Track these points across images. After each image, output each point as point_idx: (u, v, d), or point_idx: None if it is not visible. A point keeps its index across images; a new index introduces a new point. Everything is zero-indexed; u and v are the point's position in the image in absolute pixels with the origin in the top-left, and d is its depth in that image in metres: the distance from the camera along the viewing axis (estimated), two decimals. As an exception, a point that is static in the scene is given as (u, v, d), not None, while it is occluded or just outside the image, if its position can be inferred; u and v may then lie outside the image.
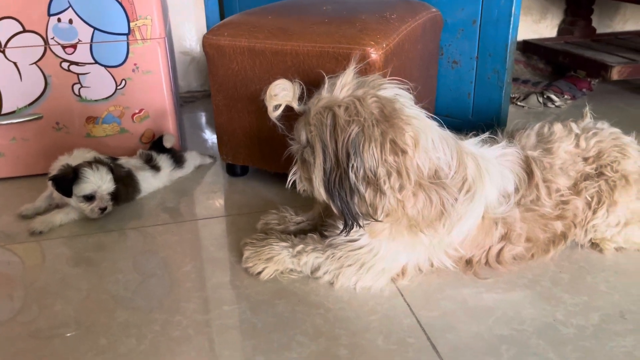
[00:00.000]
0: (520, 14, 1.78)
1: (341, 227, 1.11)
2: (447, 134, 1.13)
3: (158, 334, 1.07)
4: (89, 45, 1.68)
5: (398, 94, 1.10)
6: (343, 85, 1.08)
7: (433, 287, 1.19)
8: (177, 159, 1.76)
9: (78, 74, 1.71)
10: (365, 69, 1.29)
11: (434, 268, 1.22)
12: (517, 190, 1.20)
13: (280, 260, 1.22)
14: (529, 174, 1.22)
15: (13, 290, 1.22)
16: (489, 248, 1.21)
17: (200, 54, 2.65)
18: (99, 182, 1.47)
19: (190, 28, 2.62)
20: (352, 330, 1.06)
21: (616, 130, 1.34)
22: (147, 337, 1.06)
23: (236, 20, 1.55)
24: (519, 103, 2.45)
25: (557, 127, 1.32)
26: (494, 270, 1.22)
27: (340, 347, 1.02)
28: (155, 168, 1.69)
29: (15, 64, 1.66)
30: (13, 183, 1.76)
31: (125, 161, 1.66)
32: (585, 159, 1.28)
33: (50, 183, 1.48)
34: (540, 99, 2.44)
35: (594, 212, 1.26)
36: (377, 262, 1.16)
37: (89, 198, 1.48)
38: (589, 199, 1.25)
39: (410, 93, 1.13)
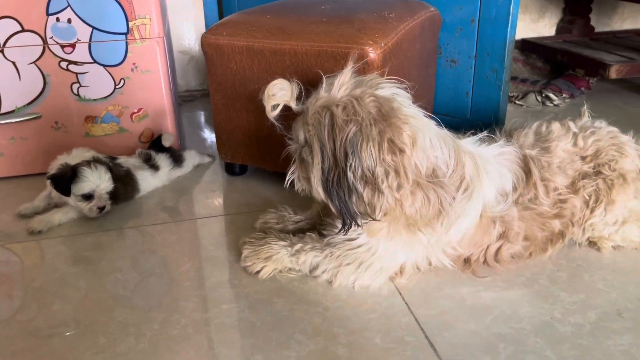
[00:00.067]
0: (519, 12, 1.79)
1: (339, 226, 1.11)
2: (445, 132, 1.13)
3: (157, 332, 1.07)
4: (87, 44, 1.68)
5: (396, 93, 1.10)
6: (341, 85, 1.08)
7: (431, 285, 1.19)
8: (176, 158, 1.76)
9: (77, 74, 1.71)
10: (363, 68, 1.29)
11: (432, 267, 1.22)
12: (515, 189, 1.20)
13: (278, 259, 1.22)
14: (527, 172, 1.22)
15: (12, 289, 1.22)
16: (487, 247, 1.21)
17: (199, 53, 2.65)
18: (97, 181, 1.47)
19: (189, 27, 2.62)
20: (350, 328, 1.07)
21: (614, 129, 1.35)
22: (146, 336, 1.06)
23: (235, 19, 1.55)
24: (517, 102, 2.46)
25: (555, 126, 1.32)
26: (492, 269, 1.22)
27: (339, 345, 1.02)
28: (154, 167, 1.69)
29: (14, 63, 1.66)
30: (12, 182, 1.77)
31: (124, 160, 1.66)
32: (583, 158, 1.28)
33: (48, 182, 1.48)
34: (539, 98, 2.45)
35: (592, 211, 1.26)
36: (376, 261, 1.16)
37: (88, 197, 1.48)
38: (587, 198, 1.26)
39: (408, 92, 1.13)
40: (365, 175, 1.03)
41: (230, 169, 1.78)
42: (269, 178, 1.72)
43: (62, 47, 1.67)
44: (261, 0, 1.81)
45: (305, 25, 1.43)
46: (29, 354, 1.03)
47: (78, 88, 1.73)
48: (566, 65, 2.69)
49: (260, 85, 1.41)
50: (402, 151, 1.03)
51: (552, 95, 2.45)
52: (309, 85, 1.15)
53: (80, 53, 1.69)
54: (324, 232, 1.24)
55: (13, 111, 1.71)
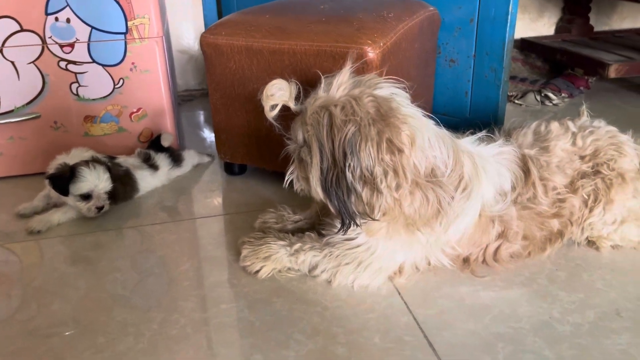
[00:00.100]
0: (518, 12, 1.79)
1: (338, 225, 1.11)
2: (443, 132, 1.13)
3: (156, 332, 1.07)
4: (86, 44, 1.68)
5: (394, 93, 1.10)
6: (339, 85, 1.08)
7: (430, 285, 1.19)
8: (175, 158, 1.76)
9: (76, 73, 1.71)
10: (362, 68, 1.29)
11: (431, 266, 1.22)
12: (513, 188, 1.20)
13: (278, 258, 1.22)
14: (526, 172, 1.22)
15: (11, 289, 1.22)
16: (486, 246, 1.21)
17: (198, 53, 2.65)
18: (95, 181, 1.47)
19: (188, 27, 2.62)
20: (349, 328, 1.07)
21: (613, 128, 1.35)
22: (145, 336, 1.06)
23: (234, 19, 1.55)
24: (516, 101, 2.46)
25: (554, 126, 1.32)
26: (491, 268, 1.22)
27: (338, 345, 1.02)
28: (153, 167, 1.69)
29: (13, 63, 1.66)
30: (11, 182, 1.77)
31: (123, 160, 1.66)
32: (582, 157, 1.28)
33: (47, 182, 1.48)
34: (538, 97, 2.45)
35: (591, 210, 1.26)
36: (375, 261, 1.16)
37: (86, 197, 1.48)
38: (586, 197, 1.26)
39: (407, 92, 1.13)
40: (364, 175, 1.03)
41: (230, 169, 1.78)
42: (268, 178, 1.72)
43: (61, 46, 1.67)
44: (260, 0, 1.81)
45: (304, 24, 1.43)
46: (29, 354, 1.03)
47: (77, 88, 1.73)
48: (565, 65, 2.69)
49: (259, 85, 1.41)
50: (400, 151, 1.03)
51: (551, 95, 2.45)
52: (307, 85, 1.15)
53: (79, 53, 1.69)
54: (323, 232, 1.24)
55: (12, 111, 1.71)
